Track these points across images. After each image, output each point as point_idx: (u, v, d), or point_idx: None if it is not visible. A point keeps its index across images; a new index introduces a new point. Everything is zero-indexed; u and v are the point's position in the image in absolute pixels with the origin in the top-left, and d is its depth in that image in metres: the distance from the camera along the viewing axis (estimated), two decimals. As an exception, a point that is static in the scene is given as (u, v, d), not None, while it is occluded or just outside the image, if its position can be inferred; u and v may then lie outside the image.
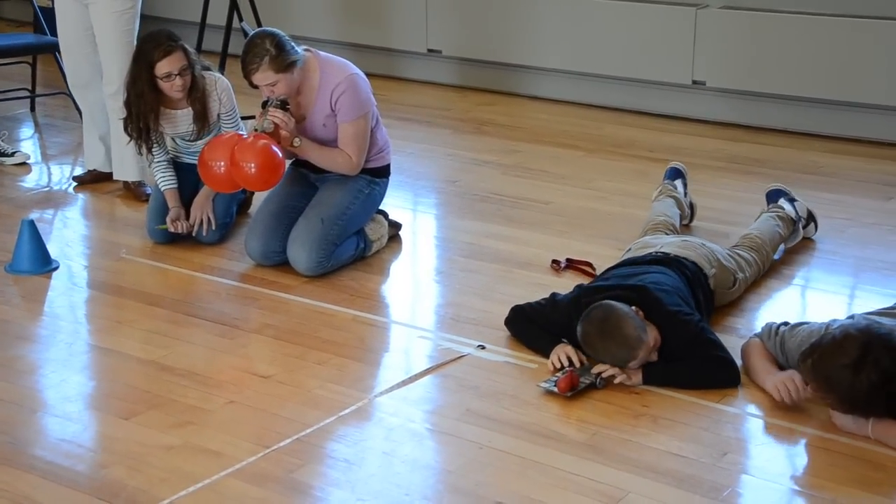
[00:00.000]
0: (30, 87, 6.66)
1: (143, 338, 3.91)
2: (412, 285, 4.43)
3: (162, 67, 4.45)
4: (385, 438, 3.26)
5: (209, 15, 5.90)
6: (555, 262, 4.38)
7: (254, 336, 3.92)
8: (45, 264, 4.44)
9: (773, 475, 3.08)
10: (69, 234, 4.94)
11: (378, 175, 4.52)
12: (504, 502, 2.95)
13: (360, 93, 4.34)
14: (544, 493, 2.98)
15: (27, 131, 6.39)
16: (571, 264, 4.36)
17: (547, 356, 3.60)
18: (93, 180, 5.41)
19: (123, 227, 5.02)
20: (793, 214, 4.44)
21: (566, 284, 4.02)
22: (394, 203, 4.84)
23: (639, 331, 3.42)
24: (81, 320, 4.17)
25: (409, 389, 3.52)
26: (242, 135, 4.38)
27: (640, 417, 3.33)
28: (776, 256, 4.33)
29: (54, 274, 4.43)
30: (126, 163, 5.20)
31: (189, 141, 4.69)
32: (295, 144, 4.28)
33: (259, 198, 4.67)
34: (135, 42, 4.92)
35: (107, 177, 5.37)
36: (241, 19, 5.72)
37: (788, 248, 4.44)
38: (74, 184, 5.43)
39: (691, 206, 4.69)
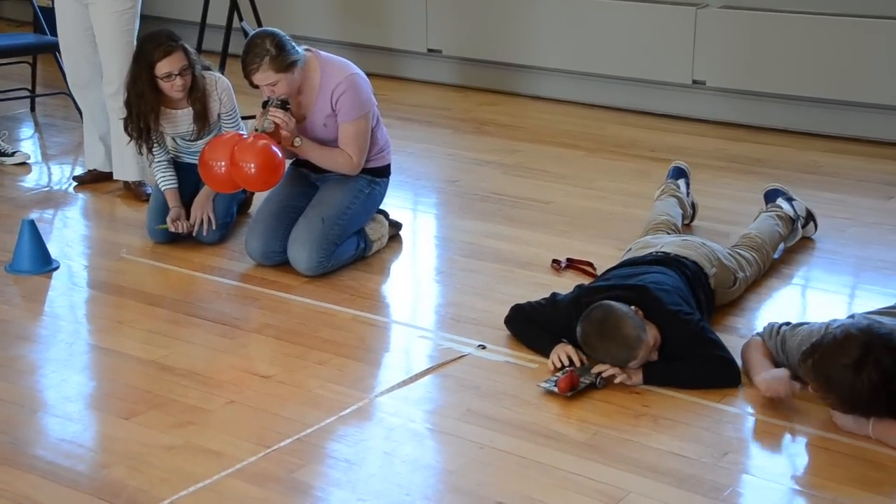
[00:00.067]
0: (30, 87, 6.66)
1: (144, 338, 3.91)
2: (413, 285, 4.43)
3: (162, 67, 4.45)
4: (386, 438, 3.26)
5: (209, 15, 5.90)
6: (555, 261, 4.38)
7: (254, 336, 3.92)
8: (45, 264, 4.44)
9: (773, 475, 3.08)
10: (69, 233, 4.94)
11: (378, 175, 4.52)
12: (505, 502, 2.95)
13: (361, 93, 4.33)
14: (545, 493, 2.98)
15: (27, 131, 6.39)
16: (572, 264, 4.35)
17: (547, 356, 3.60)
18: (93, 180, 5.41)
19: (124, 227, 5.03)
20: (791, 213, 4.45)
21: (567, 284, 4.02)
22: (394, 203, 4.84)
23: (638, 330, 3.42)
24: (82, 320, 4.17)
25: (409, 389, 3.52)
26: (243, 135, 4.38)
27: (641, 417, 3.33)
28: (776, 256, 4.33)
29: (54, 274, 4.43)
30: (126, 163, 5.20)
31: (189, 141, 4.69)
32: (295, 144, 4.28)
33: (259, 198, 4.67)
34: (135, 42, 4.92)
35: (107, 177, 5.37)
36: (241, 19, 5.71)
37: (788, 247, 4.44)
38: (75, 184, 5.43)
39: (693, 206, 4.69)
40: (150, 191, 5.03)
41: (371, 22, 7.13)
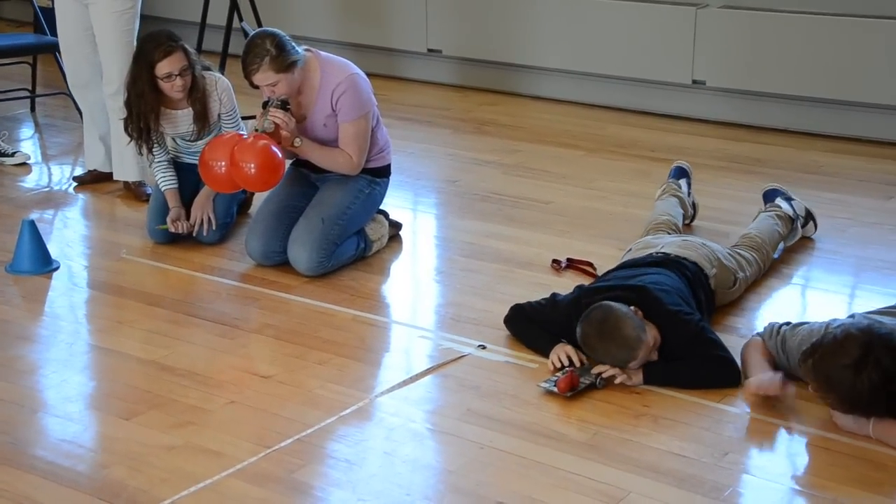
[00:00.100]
0: (30, 88, 6.66)
1: (144, 338, 3.91)
2: (413, 285, 4.43)
3: (162, 68, 4.45)
4: (386, 438, 3.26)
5: (209, 15, 5.90)
6: (555, 261, 4.38)
7: (254, 336, 3.92)
8: (45, 264, 4.44)
9: (774, 475, 3.08)
10: (69, 234, 4.94)
11: (379, 175, 4.52)
12: (505, 502, 2.95)
13: (361, 93, 4.33)
14: (545, 493, 2.98)
15: (27, 131, 6.39)
16: (572, 264, 4.35)
17: (546, 356, 3.60)
18: (93, 180, 5.41)
19: (124, 228, 5.02)
20: (790, 213, 4.44)
21: (567, 284, 4.02)
22: (394, 203, 4.84)
23: (638, 331, 3.42)
24: (82, 320, 4.17)
25: (409, 389, 3.52)
26: (243, 135, 4.38)
27: (641, 417, 3.33)
28: (776, 255, 4.32)
29: (55, 274, 4.43)
30: (126, 163, 5.20)
31: (189, 141, 4.69)
32: (296, 144, 4.28)
33: (259, 198, 4.67)
34: (135, 42, 4.92)
35: (107, 177, 5.37)
36: (241, 19, 5.71)
37: (788, 247, 4.44)
38: (75, 184, 5.43)
39: (694, 206, 4.69)
40: (150, 191, 5.03)
41: (371, 22, 7.13)
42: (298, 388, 3.53)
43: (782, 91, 5.93)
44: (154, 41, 4.46)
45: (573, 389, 3.41)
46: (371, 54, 7.00)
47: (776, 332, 3.49)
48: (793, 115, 5.96)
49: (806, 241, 4.55)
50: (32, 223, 4.44)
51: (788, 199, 4.51)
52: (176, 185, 4.66)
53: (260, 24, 5.56)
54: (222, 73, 4.95)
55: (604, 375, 3.45)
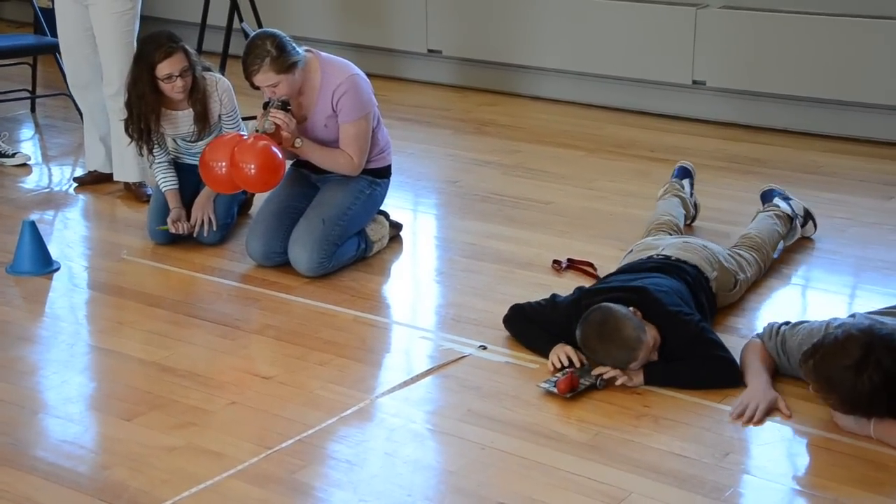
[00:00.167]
0: (30, 88, 6.66)
1: (145, 339, 3.91)
2: (413, 286, 4.43)
3: (163, 69, 4.45)
4: (387, 439, 3.26)
5: (210, 16, 5.90)
6: (556, 262, 4.38)
7: (255, 337, 3.92)
8: (45, 265, 4.44)
9: (774, 475, 3.08)
10: (70, 235, 4.94)
11: (379, 176, 4.52)
12: (506, 503, 2.95)
13: (362, 93, 4.34)
14: (546, 494, 2.98)
15: (27, 132, 6.39)
16: (572, 264, 4.36)
17: (545, 356, 3.60)
18: (93, 181, 5.41)
19: (124, 228, 5.03)
20: (789, 211, 4.45)
21: (567, 285, 4.02)
22: (395, 203, 4.84)
23: (638, 331, 3.42)
24: (82, 321, 4.17)
25: (410, 390, 3.52)
26: (243, 136, 4.38)
27: (642, 418, 3.33)
28: (775, 255, 4.33)
29: (55, 275, 4.43)
30: (127, 164, 5.20)
31: (190, 142, 4.69)
32: (296, 145, 4.28)
33: (260, 198, 4.67)
34: (135, 43, 4.92)
35: (107, 178, 5.37)
36: (241, 20, 5.71)
37: (788, 246, 4.44)
38: (75, 185, 5.43)
39: (695, 207, 4.69)
40: (150, 192, 5.03)
41: (371, 22, 7.13)
42: (299, 388, 3.53)
43: (782, 91, 5.93)
44: (154, 42, 4.46)
45: (573, 391, 3.41)
46: (371, 55, 7.00)
47: (776, 333, 3.49)
48: (792, 115, 5.96)
49: (805, 241, 4.55)
50: (33, 224, 4.45)
51: (786, 199, 4.51)
52: (176, 186, 4.66)
53: (260, 25, 5.56)
54: (223, 74, 4.95)
55: (604, 377, 3.45)
